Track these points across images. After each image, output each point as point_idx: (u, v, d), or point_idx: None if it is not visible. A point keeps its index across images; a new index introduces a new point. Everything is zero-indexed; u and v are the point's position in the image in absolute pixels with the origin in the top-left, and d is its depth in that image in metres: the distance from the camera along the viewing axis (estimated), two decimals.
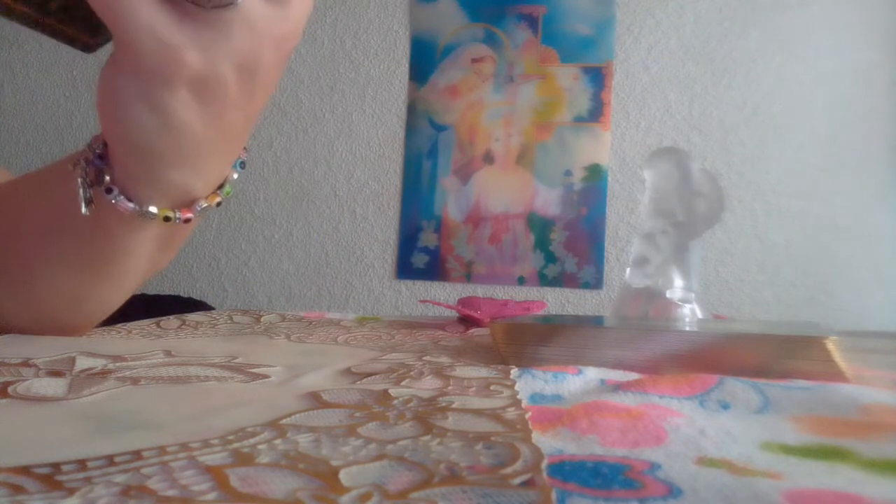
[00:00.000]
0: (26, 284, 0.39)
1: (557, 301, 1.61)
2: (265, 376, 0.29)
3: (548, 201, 1.63)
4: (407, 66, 1.70)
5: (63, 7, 0.32)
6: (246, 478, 0.15)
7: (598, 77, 1.63)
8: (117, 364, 0.30)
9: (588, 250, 1.61)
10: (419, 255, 1.67)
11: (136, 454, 0.16)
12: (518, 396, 0.25)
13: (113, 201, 0.33)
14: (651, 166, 0.52)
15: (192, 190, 0.34)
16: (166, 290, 1.68)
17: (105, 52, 0.33)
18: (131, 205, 0.33)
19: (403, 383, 0.27)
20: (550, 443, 0.19)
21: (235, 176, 0.37)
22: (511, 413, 0.22)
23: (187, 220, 0.35)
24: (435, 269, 1.66)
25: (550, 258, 1.62)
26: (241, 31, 0.29)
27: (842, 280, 1.54)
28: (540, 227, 1.63)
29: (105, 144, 0.34)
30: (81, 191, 0.33)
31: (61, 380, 0.26)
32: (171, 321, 0.51)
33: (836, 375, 0.28)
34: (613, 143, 1.62)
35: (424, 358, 0.34)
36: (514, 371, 0.30)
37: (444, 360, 0.34)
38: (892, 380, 0.29)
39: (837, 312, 1.51)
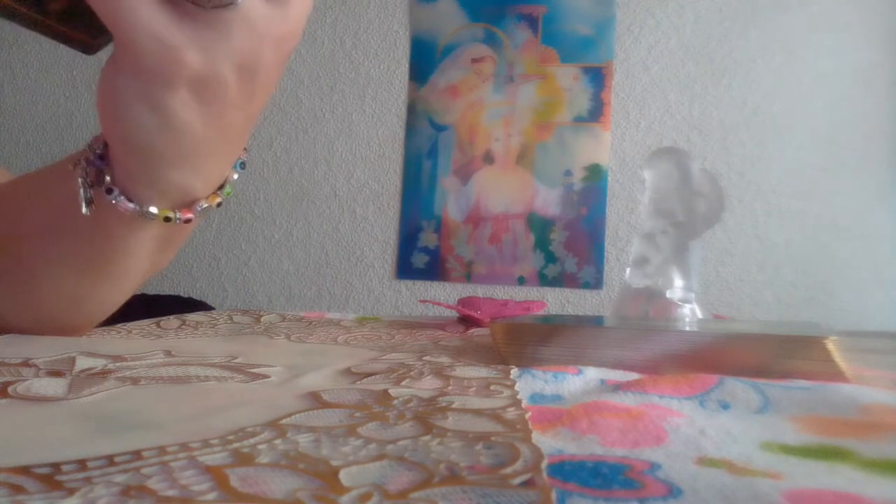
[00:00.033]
0: (26, 284, 0.39)
1: (557, 301, 1.61)
2: (265, 376, 0.29)
3: (548, 201, 1.63)
4: (407, 66, 1.70)
5: (64, 9, 0.32)
6: (246, 478, 0.15)
7: (598, 77, 1.63)
8: (117, 364, 0.30)
9: (588, 250, 1.61)
10: (419, 255, 1.67)
11: (136, 454, 0.16)
12: (518, 396, 0.25)
13: (113, 202, 0.33)
14: (651, 166, 0.52)
15: (192, 190, 0.34)
16: (166, 290, 1.68)
17: (106, 52, 0.33)
18: (132, 205, 0.33)
19: (403, 383, 0.27)
20: (550, 443, 0.19)
21: (236, 176, 0.37)
22: (511, 413, 0.22)
23: (188, 221, 0.35)
24: (435, 269, 1.66)
25: (550, 258, 1.62)
26: (240, 31, 0.29)
27: (842, 280, 1.54)
28: (540, 227, 1.63)
29: (105, 145, 0.34)
30: (82, 191, 0.33)
31: (61, 380, 0.26)
32: (171, 321, 0.51)
33: (836, 375, 0.28)
34: (613, 143, 1.62)
35: (424, 358, 0.34)
36: (514, 371, 0.30)
37: (444, 360, 0.34)
38: (892, 380, 0.29)
39: (837, 312, 1.51)
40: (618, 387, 0.26)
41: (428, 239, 1.67)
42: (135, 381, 0.27)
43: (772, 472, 0.16)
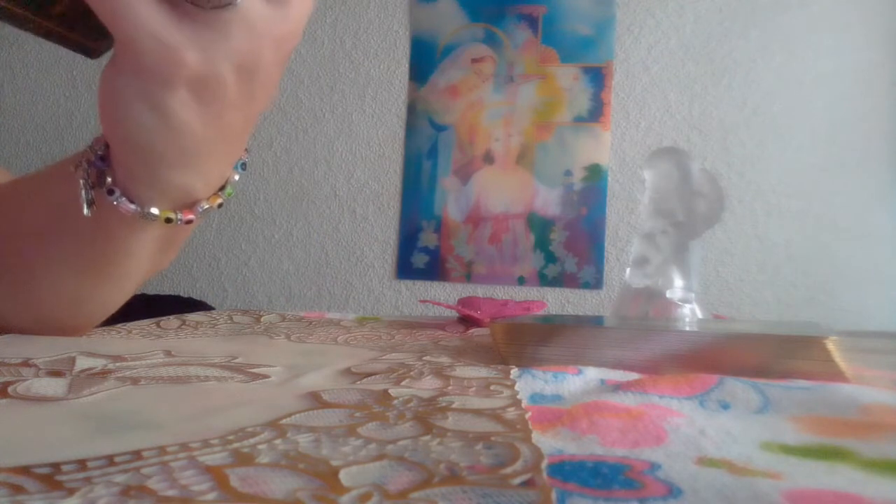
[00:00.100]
0: (27, 285, 0.39)
1: (557, 301, 1.61)
2: (265, 376, 0.29)
3: (548, 201, 1.63)
4: (407, 66, 1.70)
5: (66, 12, 0.32)
6: (246, 478, 0.15)
7: (598, 77, 1.63)
8: (117, 364, 0.30)
9: (588, 250, 1.61)
10: (419, 255, 1.67)
11: (136, 454, 0.16)
12: (518, 396, 0.25)
13: (114, 203, 0.33)
14: (651, 166, 0.52)
15: (193, 191, 0.34)
16: (166, 290, 1.68)
17: (107, 54, 0.33)
18: (133, 206, 0.33)
19: (403, 383, 0.27)
20: (550, 443, 0.19)
21: (237, 177, 0.37)
22: (511, 413, 0.22)
23: (189, 222, 0.35)
24: (435, 269, 1.66)
25: (550, 258, 1.62)
26: (240, 31, 0.29)
27: (842, 280, 1.54)
28: (540, 227, 1.63)
29: (106, 146, 0.34)
30: (83, 192, 0.33)
31: (61, 380, 0.26)
32: (171, 321, 0.51)
33: (836, 375, 0.28)
34: (613, 143, 1.62)
35: (424, 358, 0.34)
36: (514, 371, 0.30)
37: (444, 360, 0.34)
38: (892, 380, 0.29)
39: (837, 312, 1.51)
40: (618, 387, 0.26)
41: (428, 239, 1.67)
42: (135, 381, 0.27)
43: (772, 472, 0.16)
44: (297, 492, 0.14)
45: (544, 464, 0.16)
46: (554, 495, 0.14)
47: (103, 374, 0.28)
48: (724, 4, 1.60)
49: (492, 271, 1.64)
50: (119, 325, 0.48)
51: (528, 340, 0.33)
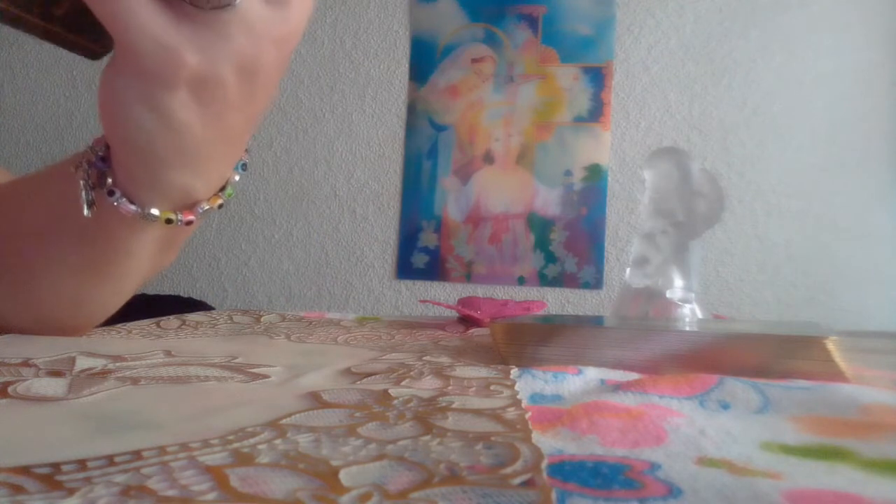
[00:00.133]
0: (27, 285, 0.39)
1: (557, 301, 1.61)
2: (265, 376, 0.29)
3: (548, 201, 1.63)
4: (407, 66, 1.70)
5: (67, 14, 0.32)
6: (246, 478, 0.15)
7: (598, 77, 1.63)
8: (117, 364, 0.30)
9: (588, 250, 1.61)
10: (419, 255, 1.67)
11: (136, 454, 0.16)
12: (518, 396, 0.25)
13: (115, 204, 0.33)
14: (651, 166, 0.52)
15: (193, 192, 0.34)
16: (166, 290, 1.68)
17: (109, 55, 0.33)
18: (133, 207, 0.33)
19: (403, 383, 0.27)
20: (550, 443, 0.19)
21: (237, 178, 0.37)
22: (511, 413, 0.22)
23: (189, 223, 0.35)
24: (435, 269, 1.66)
25: (550, 258, 1.62)
26: (240, 32, 0.29)
27: (842, 280, 1.54)
28: (540, 227, 1.63)
29: (107, 146, 0.34)
30: (83, 193, 0.33)
31: (61, 380, 0.26)
32: (171, 321, 0.51)
33: (836, 375, 0.28)
34: (613, 143, 1.62)
35: (424, 358, 0.34)
36: (514, 371, 0.30)
37: (444, 360, 0.34)
38: (892, 380, 0.29)
39: (837, 312, 1.51)
40: (618, 387, 0.26)
41: (428, 239, 1.67)
42: (135, 381, 0.27)
43: (772, 472, 0.16)
44: (297, 492, 0.14)
45: (544, 464, 0.16)
46: (554, 495, 0.14)
47: (103, 374, 0.28)
48: (724, 4, 1.60)
49: (492, 271, 1.64)
50: (119, 325, 0.48)
51: (528, 340, 0.33)
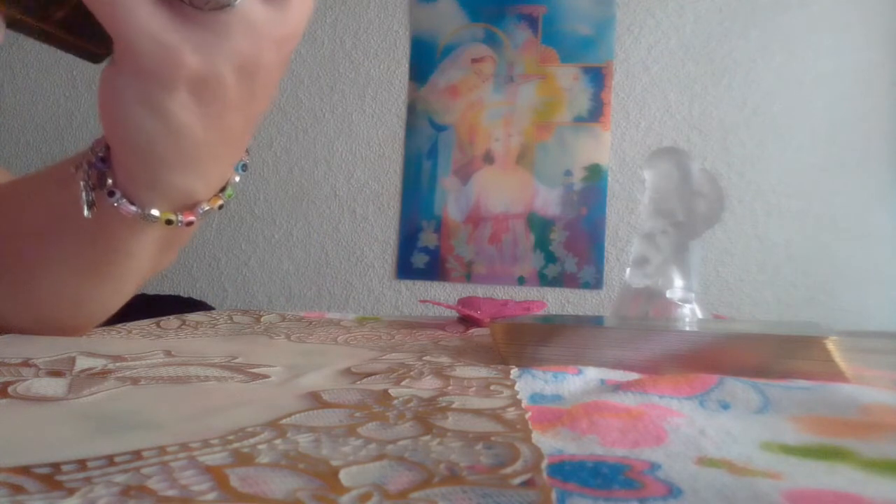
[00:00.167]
0: (26, 285, 0.39)
1: (557, 301, 1.61)
2: (265, 376, 0.29)
3: (548, 201, 1.63)
4: (407, 66, 1.70)
5: (68, 17, 0.32)
6: (246, 478, 0.15)
7: (598, 77, 1.63)
8: (117, 364, 0.30)
9: (588, 250, 1.61)
10: (419, 255, 1.67)
11: (136, 454, 0.16)
12: (518, 396, 0.25)
13: (115, 204, 0.33)
14: (651, 166, 0.52)
15: (193, 193, 0.34)
16: (166, 290, 1.68)
17: None
18: (133, 208, 0.33)
19: (403, 383, 0.27)
20: (550, 443, 0.19)
21: (237, 178, 0.37)
22: (511, 413, 0.22)
23: (189, 223, 0.35)
24: (435, 269, 1.66)
25: (550, 258, 1.62)
26: (239, 32, 0.29)
27: (842, 280, 1.54)
28: (540, 227, 1.63)
29: (107, 147, 0.34)
30: (84, 194, 0.33)
31: (61, 380, 0.26)
32: (171, 321, 0.51)
33: (836, 375, 0.28)
34: (613, 143, 1.62)
35: (424, 358, 0.34)
36: (514, 371, 0.30)
37: (444, 360, 0.34)
38: (892, 380, 0.29)
39: (837, 312, 1.51)
40: (618, 387, 0.26)
41: (428, 239, 1.67)
42: (135, 381, 0.27)
43: (772, 472, 0.16)
44: (297, 492, 0.14)
45: (544, 464, 0.16)
46: (554, 495, 0.14)
47: (103, 374, 0.28)
48: (724, 4, 1.60)
49: (492, 271, 1.64)
50: (119, 325, 0.48)
51: (528, 340, 0.33)
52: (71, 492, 0.14)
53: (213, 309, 0.96)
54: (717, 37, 1.60)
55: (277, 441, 0.18)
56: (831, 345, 0.28)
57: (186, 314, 0.56)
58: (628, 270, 0.51)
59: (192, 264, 1.75)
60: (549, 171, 1.64)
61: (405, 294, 1.68)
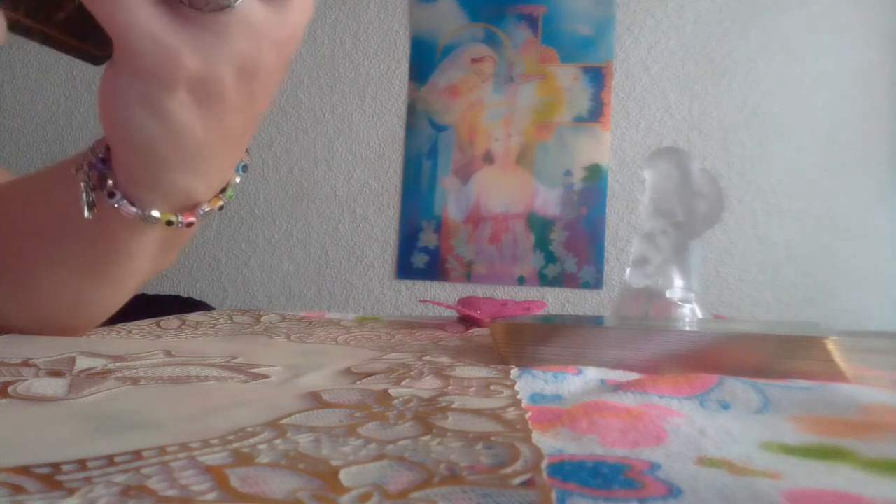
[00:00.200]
0: (26, 285, 0.39)
1: (557, 301, 1.61)
2: (265, 376, 0.29)
3: (548, 201, 1.63)
4: (407, 66, 1.70)
5: (68, 20, 0.32)
6: (246, 478, 0.15)
7: (598, 77, 1.63)
8: (117, 364, 0.30)
9: (588, 250, 1.61)
10: (419, 255, 1.67)
11: (136, 454, 0.16)
12: (518, 396, 0.25)
13: (116, 205, 0.33)
14: (651, 166, 0.52)
15: (194, 194, 0.34)
16: (166, 290, 1.68)
17: None
18: (134, 209, 0.33)
19: (403, 383, 0.27)
20: (550, 443, 0.19)
21: (238, 179, 0.37)
22: (511, 413, 0.22)
23: (190, 224, 0.35)
24: (435, 269, 1.66)
25: (550, 258, 1.62)
26: (239, 34, 0.29)
27: (842, 280, 1.54)
28: (540, 227, 1.63)
29: (107, 148, 0.34)
30: (84, 195, 0.33)
31: (61, 380, 0.26)
32: (171, 321, 0.51)
33: (836, 375, 0.28)
34: (613, 143, 1.62)
35: (424, 358, 0.34)
36: (514, 371, 0.30)
37: (444, 360, 0.34)
38: (892, 380, 0.29)
39: (837, 312, 1.51)
40: (618, 387, 0.26)
41: (428, 239, 1.67)
42: (135, 381, 0.27)
43: (772, 472, 0.16)
44: (297, 492, 0.14)
45: (544, 464, 0.16)
46: (554, 495, 0.14)
47: (103, 374, 0.28)
48: (724, 4, 1.60)
49: (492, 271, 1.64)
50: (119, 325, 0.48)
51: (528, 340, 0.33)
52: (71, 492, 0.14)
53: (213, 309, 0.96)
54: (717, 37, 1.60)
55: (277, 441, 0.18)
56: (831, 345, 0.28)
57: (186, 314, 0.56)
58: (628, 270, 0.51)
59: (192, 264, 1.75)
60: (549, 171, 1.64)
61: (405, 294, 1.68)
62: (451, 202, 1.66)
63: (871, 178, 1.55)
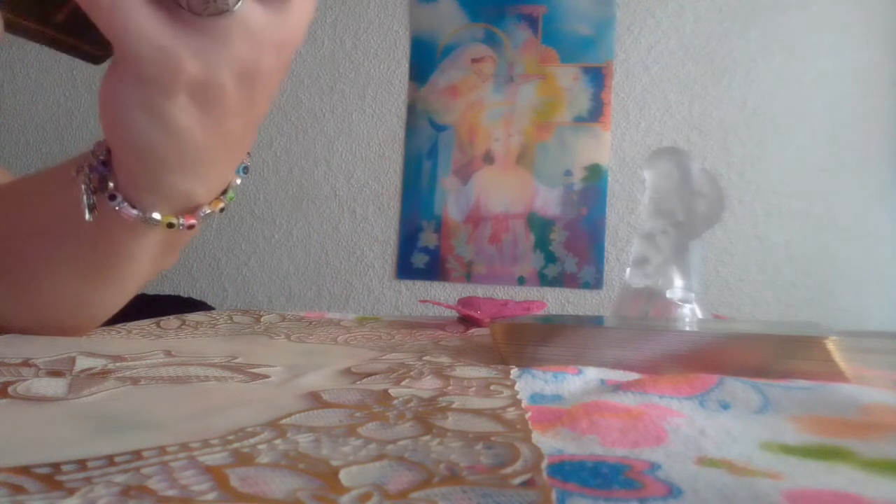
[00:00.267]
0: (27, 286, 0.39)
1: (557, 301, 1.61)
2: (265, 376, 0.29)
3: (548, 201, 1.63)
4: (407, 66, 1.70)
5: (68, 20, 0.32)
6: (246, 478, 0.15)
7: (598, 77, 1.63)
8: (117, 364, 0.30)
9: (588, 250, 1.61)
10: (419, 255, 1.67)
11: (136, 454, 0.16)
12: (518, 396, 0.25)
13: (116, 208, 0.33)
14: (651, 166, 0.52)
15: (195, 196, 0.34)
16: (166, 290, 1.68)
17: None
18: (135, 211, 0.33)
19: (403, 383, 0.27)
20: (550, 443, 0.19)
21: (239, 181, 0.37)
22: (511, 413, 0.22)
23: (191, 227, 0.35)
24: (435, 269, 1.66)
25: (550, 258, 1.62)
26: (239, 38, 0.29)
27: (842, 280, 1.54)
28: (540, 227, 1.63)
29: (108, 150, 0.34)
30: (85, 197, 0.33)
31: (61, 380, 0.26)
32: (171, 321, 0.51)
33: (836, 375, 0.28)
34: (613, 143, 1.62)
35: (424, 358, 0.34)
36: (514, 371, 0.30)
37: (444, 360, 0.34)
38: (892, 380, 0.29)
39: (837, 312, 1.51)
40: (618, 387, 0.26)
41: (428, 239, 1.67)
42: (135, 381, 0.27)
43: (772, 472, 0.16)
44: (297, 492, 0.14)
45: (544, 464, 0.16)
46: (554, 495, 0.14)
47: (103, 374, 0.28)
48: (724, 4, 1.60)
49: (492, 271, 1.64)
50: (119, 325, 0.48)
51: (528, 340, 0.33)
52: (71, 492, 0.14)
53: (213, 309, 0.96)
54: (717, 37, 1.60)
55: (277, 441, 0.18)
56: (831, 345, 0.28)
57: (186, 314, 0.56)
58: (628, 270, 0.51)
59: (192, 264, 1.75)
60: (549, 171, 1.64)
61: (405, 294, 1.68)
62: (451, 202, 1.66)
63: (871, 178, 1.55)
